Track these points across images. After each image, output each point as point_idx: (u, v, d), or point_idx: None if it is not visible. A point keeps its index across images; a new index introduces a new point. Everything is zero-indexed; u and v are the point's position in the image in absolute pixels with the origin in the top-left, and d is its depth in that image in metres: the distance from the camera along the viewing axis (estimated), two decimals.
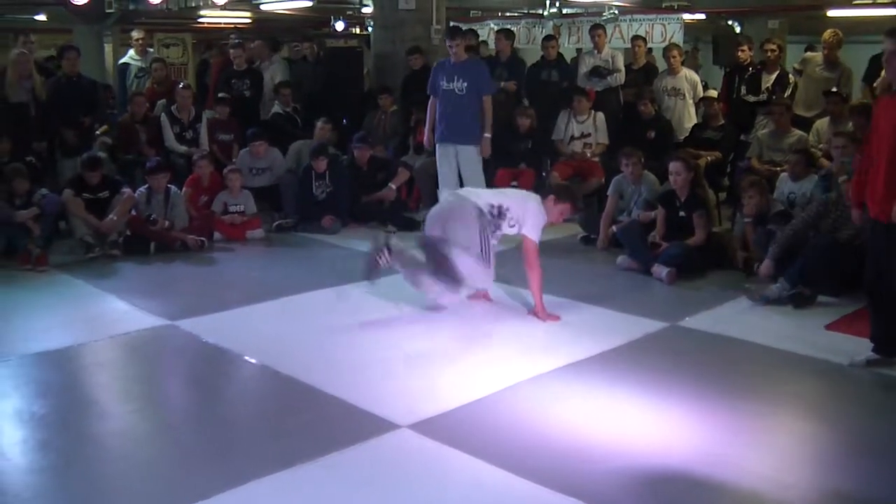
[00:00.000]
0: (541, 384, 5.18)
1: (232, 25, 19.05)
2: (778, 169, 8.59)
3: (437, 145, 8.94)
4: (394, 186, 9.50)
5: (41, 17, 19.63)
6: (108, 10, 15.27)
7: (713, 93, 11.25)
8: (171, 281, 7.65)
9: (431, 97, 8.92)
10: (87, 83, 10.10)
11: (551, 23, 14.40)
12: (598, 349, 5.72)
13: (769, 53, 10.31)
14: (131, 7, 15.14)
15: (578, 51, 13.00)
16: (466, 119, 8.72)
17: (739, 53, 10.79)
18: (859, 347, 5.65)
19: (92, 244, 8.16)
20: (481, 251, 6.23)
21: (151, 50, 13.16)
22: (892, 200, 4.93)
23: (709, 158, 9.56)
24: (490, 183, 9.34)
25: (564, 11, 14.73)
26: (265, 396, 5.24)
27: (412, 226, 9.29)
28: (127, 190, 8.54)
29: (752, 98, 10.29)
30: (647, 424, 4.67)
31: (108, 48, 18.51)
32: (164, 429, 4.72)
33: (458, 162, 8.87)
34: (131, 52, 12.13)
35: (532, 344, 5.82)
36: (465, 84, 8.67)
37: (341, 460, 4.22)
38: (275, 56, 12.12)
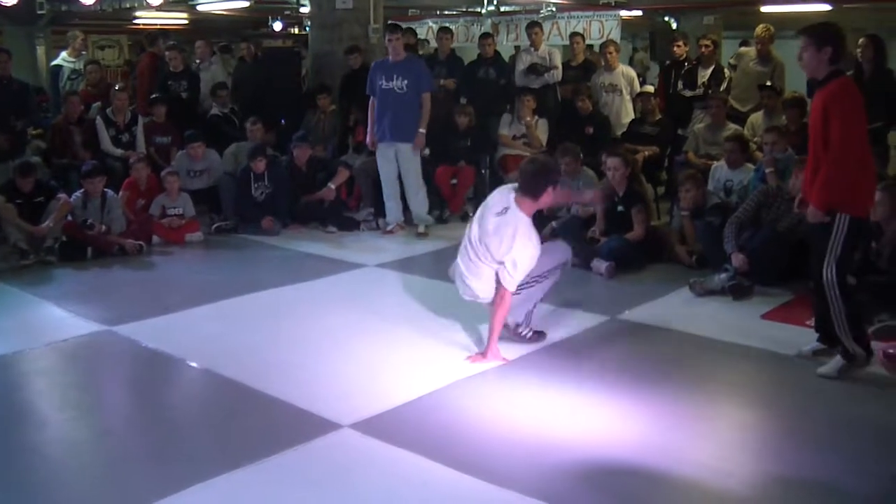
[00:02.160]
0: (483, 380, 5.20)
1: (168, 27, 18.83)
2: (714, 163, 8.71)
3: (377, 145, 8.94)
4: (333, 186, 9.45)
5: None
6: (39, 12, 14.99)
7: (650, 88, 11.38)
8: (109, 286, 7.54)
9: (371, 97, 8.92)
10: (18, 86, 9.92)
11: (489, 21, 14.46)
12: (539, 344, 5.75)
13: (704, 49, 10.45)
14: (63, 8, 14.89)
15: (517, 48, 13.07)
16: (407, 117, 8.74)
17: (675, 49, 10.93)
18: (795, 335, 5.78)
19: (26, 251, 7.99)
20: None
21: (85, 52, 12.96)
22: (815, 194, 5.04)
23: (646, 153, 9.68)
24: (430, 181, 9.36)
25: (502, 9, 14.80)
26: (207, 400, 5.19)
27: (352, 225, 9.28)
28: (62, 195, 8.40)
29: (688, 93, 10.42)
30: (590, 418, 4.71)
31: (40, 50, 18.18)
32: (104, 435, 4.65)
33: (398, 160, 8.88)
34: (64, 53, 11.96)
35: (473, 339, 5.82)
36: (406, 82, 8.69)
37: (284, 462, 4.19)
38: (214, 57, 12.01)
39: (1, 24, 17.60)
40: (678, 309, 6.58)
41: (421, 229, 9.02)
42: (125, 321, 6.32)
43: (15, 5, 11.75)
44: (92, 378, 5.64)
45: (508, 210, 5.38)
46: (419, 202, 9.02)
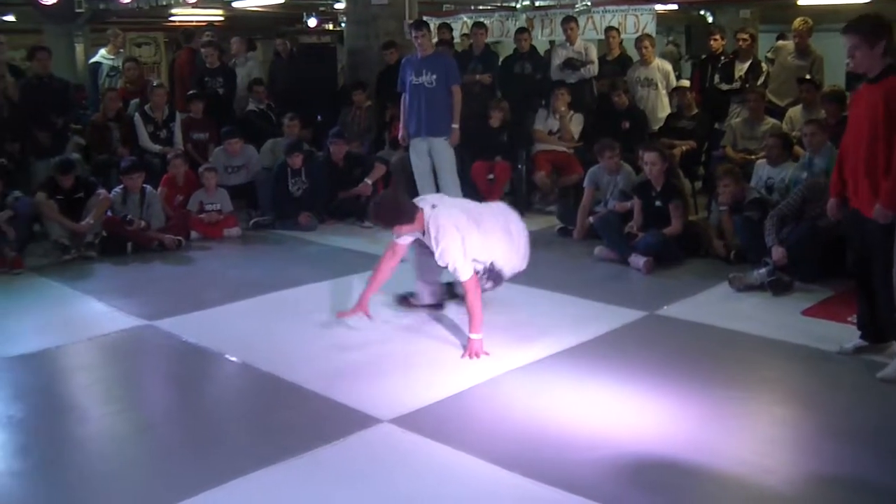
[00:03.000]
0: (521, 376, 5.20)
1: (204, 23, 18.94)
2: (752, 157, 8.65)
3: (410, 140, 8.98)
4: (370, 182, 9.49)
5: (10, 18, 19.45)
6: (77, 10, 15.15)
7: (685, 83, 11.30)
8: (148, 281, 7.61)
9: (402, 94, 8.96)
10: (58, 83, 10.02)
11: (524, 15, 14.43)
12: (577, 339, 5.73)
13: (742, 42, 10.38)
14: (101, 6, 15.03)
15: (551, 43, 13.03)
16: (438, 112, 8.82)
17: (712, 43, 10.86)
18: (835, 332, 5.71)
19: (68, 246, 8.11)
20: None
21: (123, 50, 13.06)
22: (873, 194, 4.93)
23: (683, 148, 9.62)
24: (465, 176, 9.36)
25: (537, 4, 14.76)
26: (246, 394, 5.23)
27: None
28: (102, 191, 8.50)
29: (725, 87, 10.35)
30: (628, 413, 4.69)
31: (78, 48, 18.35)
32: (145, 429, 4.69)
33: (431, 156, 8.91)
34: (102, 51, 12.05)
35: (511, 336, 5.81)
36: (435, 77, 8.77)
37: (324, 456, 4.21)
38: (250, 53, 12.07)
39: (40, 22, 17.81)
40: (717, 304, 6.53)
41: None
42: (165, 316, 6.38)
43: (54, 4, 11.85)
44: (133, 372, 5.69)
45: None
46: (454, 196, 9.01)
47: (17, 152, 9.29)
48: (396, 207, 5.69)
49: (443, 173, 8.96)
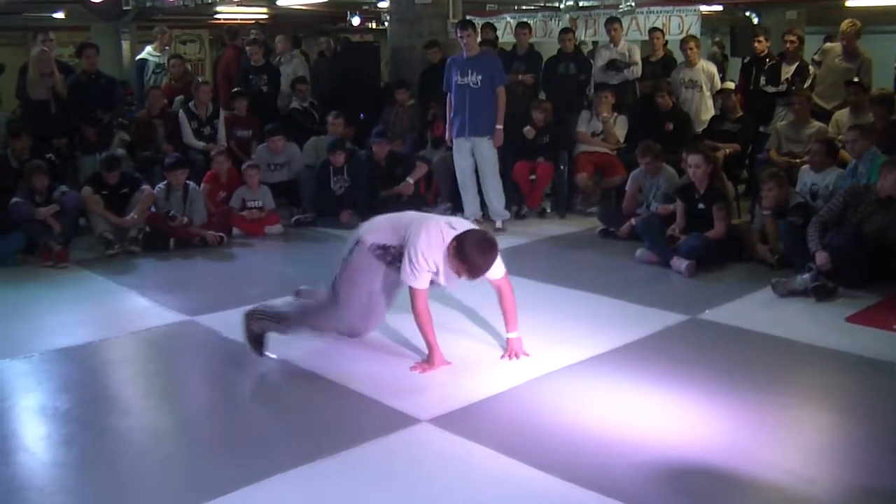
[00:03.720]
0: (562, 378, 5.17)
1: (250, 21, 19.08)
2: (797, 161, 8.55)
3: (453, 140, 8.98)
4: (412, 181, 9.51)
5: (59, 15, 19.71)
6: (125, 8, 15.34)
7: (731, 85, 11.19)
8: (190, 277, 7.69)
9: (447, 93, 8.96)
10: (105, 80, 10.14)
11: (568, 15, 14.36)
12: (618, 342, 5.70)
13: (789, 44, 10.27)
14: (148, 4, 15.19)
15: (595, 44, 12.97)
16: (483, 112, 8.79)
17: (756, 44, 10.76)
18: (880, 339, 5.65)
19: (112, 241, 8.21)
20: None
21: (169, 47, 13.18)
22: None
23: (727, 151, 9.53)
24: (507, 176, 9.35)
25: (581, 4, 14.69)
26: (285, 391, 5.24)
27: None
28: (146, 187, 8.59)
29: (771, 89, 10.24)
30: (669, 418, 4.65)
31: (125, 45, 18.57)
32: (185, 424, 4.74)
33: (474, 156, 8.90)
34: (149, 48, 12.17)
35: (552, 337, 5.79)
36: (480, 77, 8.74)
37: (362, 455, 4.22)
38: (295, 51, 12.14)
39: (88, 20, 18.03)
40: (759, 309, 6.46)
41: (498, 224, 9.02)
42: (206, 311, 6.44)
43: (102, 2, 11.98)
44: (174, 367, 5.74)
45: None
46: (496, 197, 9.02)
47: (64, 147, 9.41)
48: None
49: (486, 174, 8.96)
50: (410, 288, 5.12)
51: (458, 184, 9.13)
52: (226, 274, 7.86)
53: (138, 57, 12.53)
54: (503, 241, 8.42)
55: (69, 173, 9.38)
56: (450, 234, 5.02)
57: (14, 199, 8.06)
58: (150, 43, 12.49)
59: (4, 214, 7.97)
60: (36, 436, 4.59)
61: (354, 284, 5.33)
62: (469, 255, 4.92)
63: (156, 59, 11.88)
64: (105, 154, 8.95)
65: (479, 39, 9.64)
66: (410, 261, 5.02)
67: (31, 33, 13.89)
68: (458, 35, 8.94)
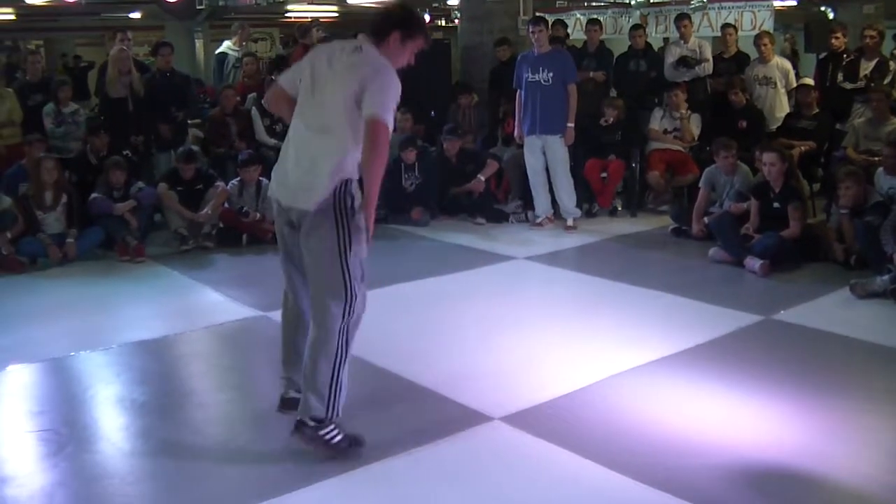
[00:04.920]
0: (634, 377, 5.13)
1: (322, 20, 19.23)
2: (875, 159, 8.34)
3: (524, 138, 8.95)
4: (483, 178, 9.50)
5: (136, 15, 20.12)
6: (198, 7, 15.60)
7: (809, 81, 10.95)
8: (263, 272, 7.75)
9: (518, 90, 8.94)
10: (180, 78, 10.30)
11: (638, 12, 14.23)
12: (691, 342, 5.64)
13: (869, 39, 10.03)
14: (221, 3, 15.43)
15: (665, 40, 12.82)
16: (553, 109, 8.75)
17: (833, 40, 10.52)
18: None
19: (186, 236, 8.35)
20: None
21: (246, 43, 13.35)
22: None
23: (803, 148, 9.35)
24: (578, 173, 9.30)
25: (651, 1, 14.56)
26: (357, 387, 5.20)
27: (501, 217, 9.30)
28: (220, 183, 8.71)
29: (849, 85, 10.01)
30: (744, 420, 4.59)
31: (198, 44, 18.90)
32: (258, 419, 4.76)
33: (545, 153, 8.87)
34: (228, 42, 12.34)
35: (624, 336, 5.76)
36: (551, 74, 8.71)
37: (434, 453, 4.23)
38: None
39: (163, 19, 18.35)
40: (837, 311, 6.34)
41: (570, 222, 8.97)
42: (278, 307, 6.41)
43: (177, 2, 12.20)
44: (247, 361, 5.82)
45: (363, 48, 4.22)
46: (567, 195, 8.98)
47: (140, 145, 9.58)
48: None
49: (557, 172, 8.91)
50: (377, 120, 4.03)
51: (529, 181, 9.09)
52: None
53: (218, 51, 12.69)
54: (574, 240, 8.49)
55: (145, 170, 9.55)
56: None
57: (93, 196, 8.25)
58: (223, 40, 12.65)
59: (84, 210, 8.17)
60: (115, 426, 4.69)
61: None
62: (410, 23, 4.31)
63: (235, 54, 12.04)
64: (181, 149, 9.12)
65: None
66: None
67: (109, 33, 14.16)
68: (530, 31, 8.91)
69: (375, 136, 4.02)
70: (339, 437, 4.13)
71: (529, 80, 8.81)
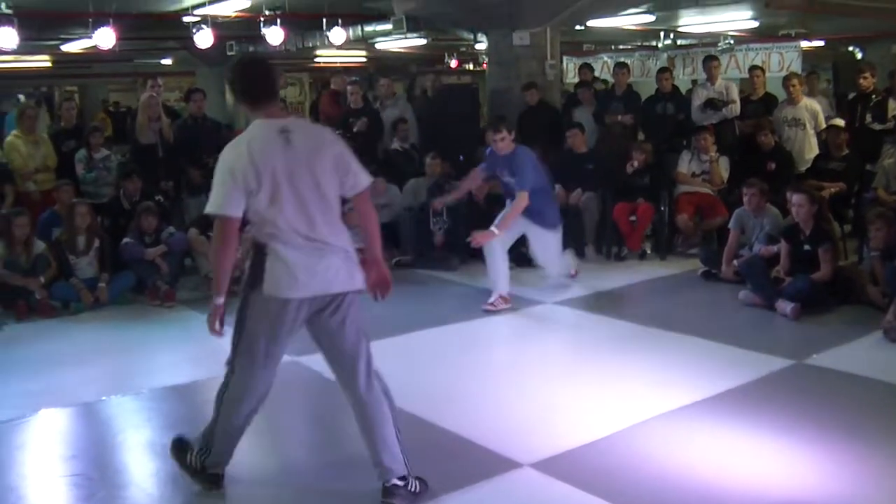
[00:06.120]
0: (665, 423, 5.09)
1: (351, 65, 19.45)
2: None
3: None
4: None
5: (167, 61, 20.42)
6: (229, 53, 15.83)
7: (839, 122, 10.91)
8: None
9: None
10: (211, 124, 10.45)
11: (665, 55, 14.31)
12: (721, 387, 5.58)
13: None
14: (251, 49, 15.64)
15: (693, 82, 12.87)
16: (538, 207, 7.74)
17: (861, 81, 10.50)
18: None
19: None
20: None
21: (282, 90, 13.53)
22: None
23: (833, 190, 9.30)
24: (608, 217, 9.28)
25: (679, 43, 14.62)
26: None
27: (530, 262, 9.27)
28: (250, 228, 8.75)
29: (878, 126, 9.98)
30: (775, 467, 4.52)
31: (229, 89, 19.07)
32: (288, 466, 4.80)
33: (531, 243, 8.19)
34: None
35: (654, 381, 5.72)
36: (513, 179, 7.69)
37: (462, 499, 4.21)
38: (399, 94, 12.29)
39: (194, 65, 18.62)
40: (870, 354, 6.27)
41: (572, 272, 8.62)
42: (309, 352, 6.42)
43: (208, 48, 12.39)
44: (278, 407, 5.77)
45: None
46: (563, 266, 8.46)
47: (171, 190, 9.69)
48: None
49: (550, 264, 8.31)
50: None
51: (486, 258, 7.93)
52: None
53: None
54: (605, 284, 8.43)
55: (176, 215, 9.65)
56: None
57: (125, 240, 8.33)
58: None
59: (116, 255, 8.25)
60: (145, 471, 4.71)
61: None
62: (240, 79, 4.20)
63: None
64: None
65: (576, 79, 9.54)
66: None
67: (140, 79, 14.42)
68: (492, 138, 7.78)
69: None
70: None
71: (504, 179, 7.90)
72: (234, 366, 4.27)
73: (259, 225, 4.10)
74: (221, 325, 4.30)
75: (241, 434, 4.41)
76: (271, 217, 4.05)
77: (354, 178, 4.18)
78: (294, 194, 4.01)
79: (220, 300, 4.24)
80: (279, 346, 4.30)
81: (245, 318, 4.22)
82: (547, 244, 8.03)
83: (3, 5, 9.91)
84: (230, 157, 4.00)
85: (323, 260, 4.11)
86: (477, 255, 9.42)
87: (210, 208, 4.06)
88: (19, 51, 11.42)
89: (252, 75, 4.18)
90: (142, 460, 4.85)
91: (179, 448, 4.43)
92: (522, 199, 7.56)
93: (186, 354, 6.73)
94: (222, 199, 4.01)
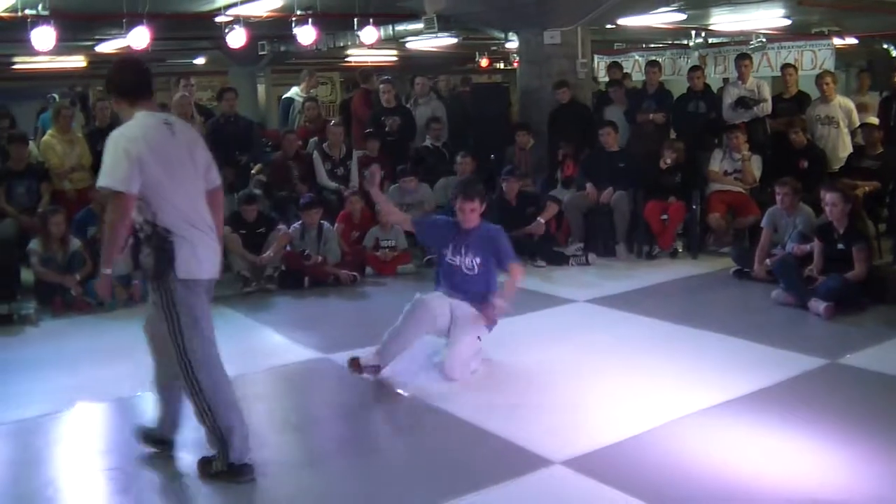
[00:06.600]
0: (696, 422, 5.07)
1: (382, 63, 19.50)
2: None
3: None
4: (543, 220, 9.47)
5: (200, 61, 20.57)
6: (261, 53, 15.95)
7: (874, 120, 10.80)
8: (324, 315, 7.84)
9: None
10: (243, 123, 10.52)
11: (697, 53, 14.24)
12: (755, 386, 5.55)
13: None
14: (282, 49, 15.75)
15: (725, 80, 12.79)
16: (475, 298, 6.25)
17: None
18: None
19: (249, 278, 8.47)
20: None
21: (314, 90, 13.61)
22: None
23: (866, 188, 9.23)
24: (639, 216, 9.25)
25: (710, 41, 14.55)
26: (416, 430, 5.27)
27: (561, 260, 9.28)
28: (282, 227, 8.83)
29: None
30: (808, 466, 4.50)
31: (260, 88, 19.26)
32: (318, 460, 4.83)
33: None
34: (296, 88, 12.60)
35: (685, 380, 5.70)
36: (478, 260, 6.22)
37: (494, 498, 4.21)
38: (432, 93, 12.32)
39: (226, 65, 18.74)
40: None
41: None
42: (340, 349, 6.54)
43: (240, 48, 12.48)
44: (309, 403, 5.87)
45: None
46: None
47: None
48: None
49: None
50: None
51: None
52: (359, 312, 8.00)
53: (285, 96, 12.98)
54: (635, 283, 8.42)
55: None
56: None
57: None
58: (285, 86, 12.92)
59: None
60: (179, 466, 4.74)
61: None
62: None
63: (301, 99, 12.30)
64: (243, 191, 9.27)
65: (605, 78, 9.52)
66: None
67: (173, 79, 14.52)
68: (458, 207, 6.32)
69: None
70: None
71: (448, 259, 6.34)
72: (189, 355, 4.48)
73: (155, 209, 4.30)
74: (110, 293, 4.77)
75: (236, 398, 4.59)
76: (172, 200, 4.32)
77: (215, 172, 4.69)
78: (183, 179, 4.39)
79: (108, 271, 4.49)
80: (210, 321, 4.61)
81: (174, 304, 4.42)
82: (471, 329, 6.12)
83: (40, 7, 10.02)
84: (123, 141, 4.25)
85: (213, 243, 4.47)
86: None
87: (110, 182, 4.21)
88: (55, 51, 11.54)
89: (130, 73, 4.50)
90: (176, 454, 4.89)
91: (204, 464, 4.54)
92: (518, 269, 6.29)
93: (220, 350, 6.76)
94: (122, 175, 4.18)
